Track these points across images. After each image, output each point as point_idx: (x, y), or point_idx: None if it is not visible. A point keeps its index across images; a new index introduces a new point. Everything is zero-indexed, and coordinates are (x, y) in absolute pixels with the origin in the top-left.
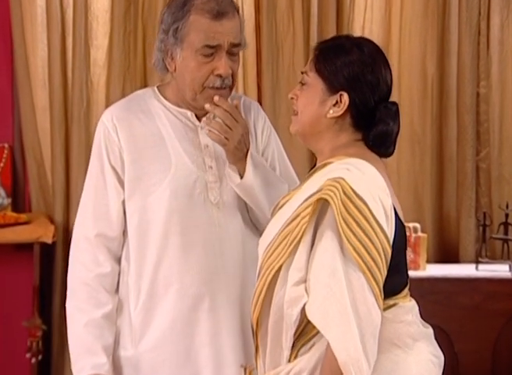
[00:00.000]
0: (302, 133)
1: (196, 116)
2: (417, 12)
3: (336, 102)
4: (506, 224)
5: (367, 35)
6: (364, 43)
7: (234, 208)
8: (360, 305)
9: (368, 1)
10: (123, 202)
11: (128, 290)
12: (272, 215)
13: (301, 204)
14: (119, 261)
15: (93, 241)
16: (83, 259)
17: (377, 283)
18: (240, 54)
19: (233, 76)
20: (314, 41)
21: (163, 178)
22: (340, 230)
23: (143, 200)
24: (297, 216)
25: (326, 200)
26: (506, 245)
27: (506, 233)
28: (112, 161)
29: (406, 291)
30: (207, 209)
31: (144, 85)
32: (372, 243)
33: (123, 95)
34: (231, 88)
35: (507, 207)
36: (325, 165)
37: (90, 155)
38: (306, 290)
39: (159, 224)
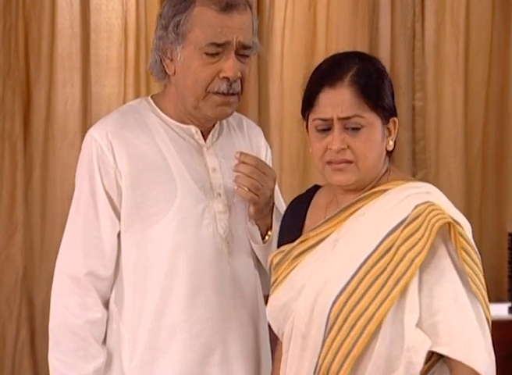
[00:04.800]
0: (362, 180)
1: (201, 132)
2: (345, 11)
3: (389, 130)
4: None
5: (287, 37)
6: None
7: (245, 243)
8: (488, 338)
9: None
10: (119, 235)
11: (120, 339)
12: (290, 258)
13: (387, 236)
14: (107, 305)
15: (82, 282)
16: (69, 303)
17: (490, 315)
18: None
19: (242, 81)
20: None
21: (168, 206)
22: (461, 259)
23: (142, 232)
24: (389, 249)
25: (452, 224)
26: None
27: None
28: (106, 185)
29: None
30: (216, 244)
31: (28, 93)
32: (479, 270)
33: (3, 105)
34: (239, 96)
35: None
36: (374, 193)
37: None
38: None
39: (163, 262)
